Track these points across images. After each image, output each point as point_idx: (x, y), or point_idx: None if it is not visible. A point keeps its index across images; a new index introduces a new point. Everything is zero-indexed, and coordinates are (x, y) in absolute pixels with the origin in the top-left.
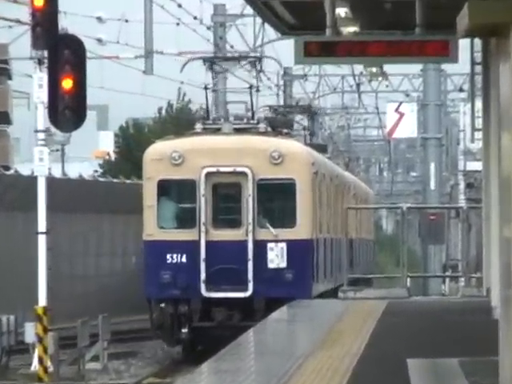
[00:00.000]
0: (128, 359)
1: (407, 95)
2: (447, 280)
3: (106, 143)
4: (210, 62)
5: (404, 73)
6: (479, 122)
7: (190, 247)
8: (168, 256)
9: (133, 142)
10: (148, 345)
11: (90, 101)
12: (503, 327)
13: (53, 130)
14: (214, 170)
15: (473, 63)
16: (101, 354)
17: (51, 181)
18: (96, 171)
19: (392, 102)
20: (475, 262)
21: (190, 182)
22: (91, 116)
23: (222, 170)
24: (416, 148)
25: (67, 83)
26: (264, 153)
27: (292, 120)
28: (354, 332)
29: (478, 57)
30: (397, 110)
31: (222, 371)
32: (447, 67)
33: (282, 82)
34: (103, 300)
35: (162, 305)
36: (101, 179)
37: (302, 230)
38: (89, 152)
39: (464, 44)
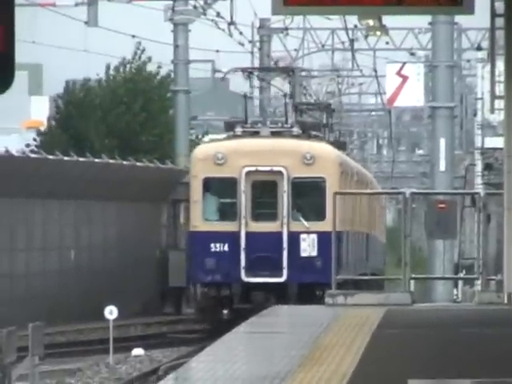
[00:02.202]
0: (65, 378)
1: (412, 54)
2: (460, 283)
3: (40, 111)
4: (249, 73)
5: (408, 26)
6: (501, 89)
7: (232, 237)
8: (212, 245)
9: (74, 109)
10: (90, 360)
11: (19, 58)
12: None
13: None
14: (253, 169)
15: (493, 15)
16: (31, 372)
17: None
18: (28, 145)
19: (393, 62)
20: (495, 261)
21: (232, 179)
22: (21, 77)
23: (261, 169)
24: (423, 120)
25: None
26: (297, 154)
27: (321, 123)
28: (343, 347)
29: (500, 7)
30: (399, 72)
31: None
32: (462, 20)
33: (257, 38)
34: (34, 305)
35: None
36: (32, 155)
37: (330, 223)
38: (18, 122)
39: None
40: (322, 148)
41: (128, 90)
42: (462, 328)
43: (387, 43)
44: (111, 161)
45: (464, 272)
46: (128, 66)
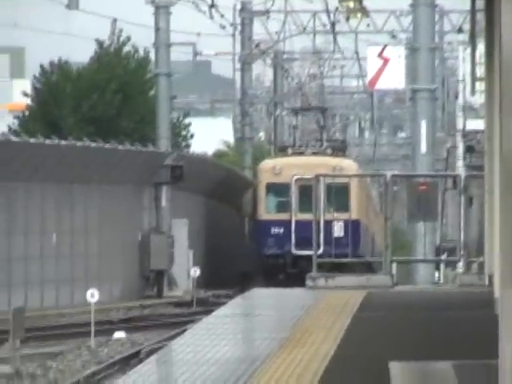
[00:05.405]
0: (46, 362)
1: (393, 37)
2: (442, 266)
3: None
4: (296, 111)
5: (389, 9)
6: (481, 71)
7: (285, 224)
8: (272, 229)
9: (49, 97)
10: (72, 344)
11: (1, 42)
12: (503, 323)
13: None
14: (300, 177)
15: None
16: (12, 355)
17: None
18: (10, 129)
19: (374, 45)
20: (476, 243)
21: (286, 184)
22: (3, 60)
23: (305, 177)
24: (405, 103)
25: None
26: (330, 166)
27: (346, 146)
28: (323, 329)
29: None
30: (380, 54)
31: (150, 381)
32: (444, 2)
33: (238, 20)
34: (16, 290)
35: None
36: (14, 139)
37: (353, 213)
38: (0, 105)
39: None
40: (346, 162)
41: (103, 75)
42: (444, 310)
43: (368, 25)
44: (93, 144)
45: (446, 254)
46: (106, 49)
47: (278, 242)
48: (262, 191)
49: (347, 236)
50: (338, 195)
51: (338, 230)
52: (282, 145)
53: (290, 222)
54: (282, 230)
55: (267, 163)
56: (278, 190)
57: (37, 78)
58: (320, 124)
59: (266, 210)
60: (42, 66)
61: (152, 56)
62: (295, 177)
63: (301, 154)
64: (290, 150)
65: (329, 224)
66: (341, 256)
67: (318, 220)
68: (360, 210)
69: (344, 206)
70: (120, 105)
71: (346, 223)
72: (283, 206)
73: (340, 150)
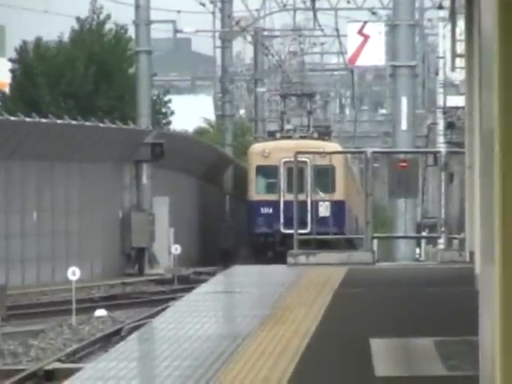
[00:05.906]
0: (28, 340)
1: (373, 13)
2: (423, 242)
3: (2, 73)
4: (284, 97)
5: None
6: (462, 47)
7: (274, 204)
8: (262, 209)
9: (26, 76)
10: (53, 321)
11: None
12: (483, 300)
13: None
14: (288, 159)
15: None
16: None
17: None
18: None
19: (355, 22)
20: (457, 219)
21: (274, 166)
22: None
23: (293, 159)
24: (385, 79)
25: None
26: (317, 150)
27: (331, 131)
28: (304, 306)
29: None
30: (360, 31)
31: (132, 358)
32: None
33: None
34: None
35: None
36: None
37: (338, 194)
38: None
39: None
40: (332, 146)
41: (79, 53)
42: (425, 286)
43: (349, 2)
44: (73, 122)
45: (427, 231)
46: (87, 25)
47: (268, 222)
48: (252, 173)
49: (333, 215)
50: (324, 177)
51: (323, 210)
52: (271, 130)
53: (278, 202)
54: (271, 210)
55: (257, 147)
56: (268, 172)
57: (12, 59)
58: (307, 109)
59: (256, 191)
60: (17, 48)
61: (131, 33)
62: (283, 159)
63: (289, 137)
64: (278, 134)
65: (316, 204)
66: (327, 235)
67: (298, 197)
68: (345, 191)
69: (330, 187)
70: (97, 81)
71: (332, 203)
72: (272, 188)
73: (325, 134)
